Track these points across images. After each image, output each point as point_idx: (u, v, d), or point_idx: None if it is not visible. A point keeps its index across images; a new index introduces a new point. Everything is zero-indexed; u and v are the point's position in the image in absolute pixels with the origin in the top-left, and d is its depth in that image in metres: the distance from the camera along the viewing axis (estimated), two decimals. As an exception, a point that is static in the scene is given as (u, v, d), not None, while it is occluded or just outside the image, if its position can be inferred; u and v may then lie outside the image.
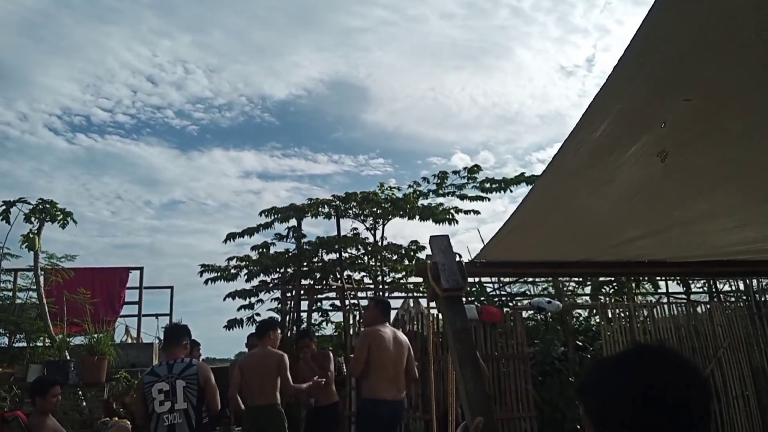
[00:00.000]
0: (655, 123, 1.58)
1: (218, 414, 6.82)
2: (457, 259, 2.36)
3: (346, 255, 10.18)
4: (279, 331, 6.25)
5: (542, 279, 10.84)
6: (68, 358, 8.00)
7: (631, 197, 1.92)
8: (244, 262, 10.19)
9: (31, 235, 8.35)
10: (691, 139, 1.66)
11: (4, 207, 8.32)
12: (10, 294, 9.38)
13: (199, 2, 24.60)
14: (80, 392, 7.75)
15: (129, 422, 6.81)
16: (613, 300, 10.20)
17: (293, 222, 10.23)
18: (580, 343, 9.22)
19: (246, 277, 10.02)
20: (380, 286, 10.33)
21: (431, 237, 2.33)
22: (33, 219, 8.42)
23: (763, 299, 10.18)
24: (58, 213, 8.52)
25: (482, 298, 9.94)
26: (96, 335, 8.13)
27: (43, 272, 8.69)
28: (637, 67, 1.43)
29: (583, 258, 2.30)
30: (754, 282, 10.46)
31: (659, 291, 11.56)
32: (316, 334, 9.70)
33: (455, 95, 28.48)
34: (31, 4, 21.58)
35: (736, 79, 1.43)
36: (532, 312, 9.48)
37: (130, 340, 10.52)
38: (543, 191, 1.93)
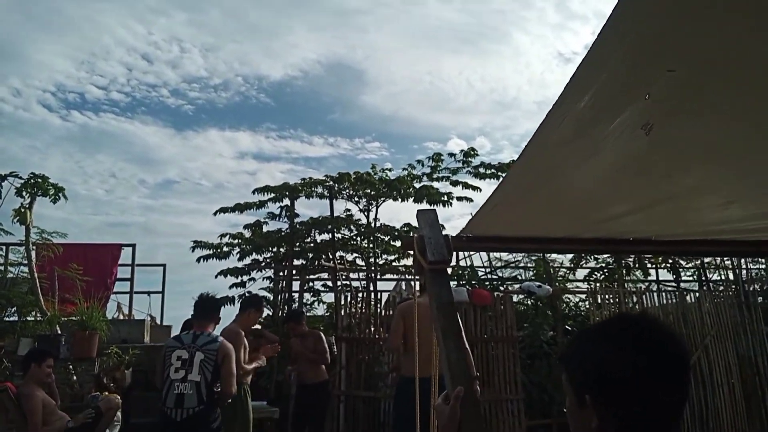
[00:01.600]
0: (639, 94, 1.57)
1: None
2: (444, 232, 2.37)
3: (339, 236, 10.20)
4: (259, 312, 6.16)
5: (533, 264, 10.90)
6: (59, 332, 8.01)
7: (617, 171, 1.92)
8: (236, 240, 10.19)
9: (22, 210, 8.31)
10: (675, 111, 1.65)
11: (-5, 181, 8.28)
12: (2, 268, 9.38)
13: (196, -20, 24.31)
14: (71, 366, 7.77)
15: (119, 396, 6.84)
16: (603, 286, 10.27)
17: (287, 202, 10.22)
18: (569, 328, 9.29)
19: (238, 255, 10.04)
20: (372, 268, 10.36)
21: (419, 211, 2.34)
22: (24, 193, 8.37)
23: (751, 288, 10.26)
24: (50, 188, 8.47)
25: (473, 282, 9.98)
26: (87, 311, 8.14)
27: (35, 247, 8.67)
28: (620, 35, 1.41)
29: (569, 234, 2.31)
30: (743, 272, 10.54)
31: (649, 278, 11.65)
32: (308, 314, 9.75)
33: (452, 79, 28.34)
34: (25, -21, 21.29)
35: (721, 49, 1.42)
36: (522, 296, 9.54)
37: (121, 317, 10.57)
38: (527, 164, 1.92)
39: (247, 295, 10.02)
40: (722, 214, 2.34)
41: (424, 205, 10.40)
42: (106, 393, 7.24)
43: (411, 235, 2.30)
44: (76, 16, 23.12)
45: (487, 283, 10.40)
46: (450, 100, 28.19)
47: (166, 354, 4.75)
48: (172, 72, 25.67)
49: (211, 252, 10.01)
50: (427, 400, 5.11)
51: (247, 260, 10.10)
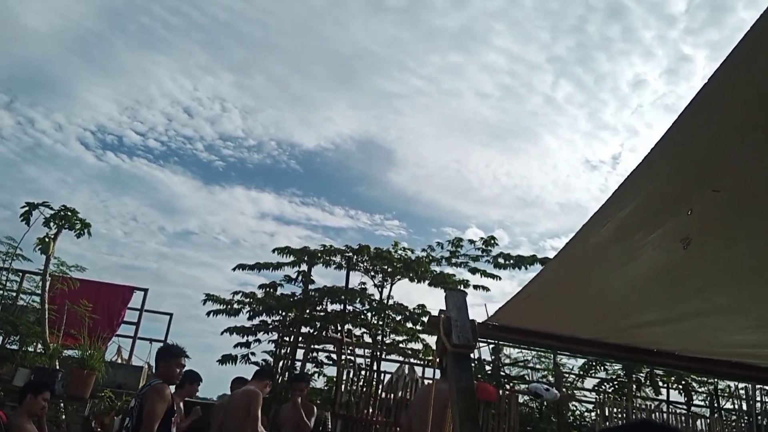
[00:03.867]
0: (682, 209, 1.64)
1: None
2: (470, 317, 2.38)
3: (350, 308, 10.14)
4: (271, 385, 6.27)
5: (542, 366, 10.66)
6: (58, 367, 7.92)
7: (651, 280, 1.96)
8: (248, 299, 10.17)
9: (47, 239, 8.44)
10: (715, 229, 1.70)
11: (27, 208, 8.46)
12: (14, 294, 9.41)
13: (247, 46, 25.58)
14: (62, 404, 7.63)
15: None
16: (612, 398, 9.96)
17: (304, 267, 10.26)
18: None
19: (248, 314, 9.99)
20: (378, 346, 10.22)
21: (447, 292, 2.37)
22: (52, 224, 8.52)
23: (764, 422, 9.90)
24: (77, 222, 8.63)
25: (479, 375, 9.76)
26: (89, 350, 8.08)
27: (50, 278, 8.73)
28: (671, 153, 1.50)
29: (595, 337, 2.31)
30: (758, 404, 10.19)
31: (660, 397, 11.27)
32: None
33: (479, 171, 28.88)
34: (89, 25, 22.64)
35: (765, 178, 1.49)
36: (528, 397, 9.28)
37: (120, 360, 10.42)
38: (564, 262, 1.97)
39: (251, 356, 9.94)
40: (750, 338, 2.34)
41: (438, 291, 10.37)
42: (92, 438, 7.08)
43: (432, 315, 2.33)
44: (129, 63, 24.36)
45: (493, 380, 10.15)
46: (473, 190, 28.62)
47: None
48: (210, 128, 26.59)
49: (222, 307, 9.98)
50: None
51: (256, 320, 10.05)
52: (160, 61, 25.09)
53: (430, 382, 4.91)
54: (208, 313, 9.90)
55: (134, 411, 4.59)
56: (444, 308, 2.38)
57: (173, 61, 25.68)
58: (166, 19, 23.97)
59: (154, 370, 5.04)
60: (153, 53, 25.02)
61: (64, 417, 7.61)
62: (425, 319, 10.24)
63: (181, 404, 6.14)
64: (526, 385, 9.34)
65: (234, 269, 10.22)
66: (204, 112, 25.82)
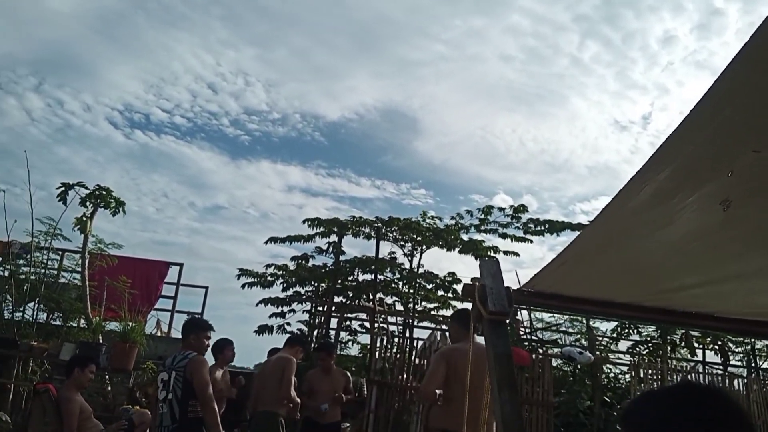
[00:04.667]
0: (722, 171, 1.61)
1: (237, 417, 6.88)
2: (506, 284, 2.39)
3: (381, 278, 10.22)
4: (304, 351, 6.53)
5: (576, 330, 10.65)
6: (101, 341, 8.20)
7: (689, 243, 1.93)
8: (281, 271, 10.33)
9: (84, 219, 8.66)
10: (756, 191, 1.67)
11: (63, 189, 8.67)
12: (56, 273, 9.71)
13: (268, 19, 25.39)
14: (107, 376, 7.92)
15: (149, 412, 6.92)
16: (647, 360, 9.92)
17: (334, 238, 10.35)
18: (608, 399, 8.97)
19: (282, 286, 10.16)
20: (410, 314, 10.31)
21: (481, 260, 2.38)
22: (88, 203, 8.74)
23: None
24: (112, 201, 8.82)
25: (513, 339, 9.80)
26: (130, 323, 8.33)
27: (89, 256, 8.98)
28: (711, 114, 1.46)
29: (632, 300, 2.30)
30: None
31: (695, 358, 11.19)
32: (342, 352, 9.72)
33: (505, 136, 28.45)
34: (110, 4, 22.73)
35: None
36: (562, 361, 9.30)
37: (160, 333, 10.72)
38: (601, 227, 1.95)
39: (286, 326, 10.13)
40: (791, 299, 2.30)
41: (467, 258, 10.37)
42: (137, 407, 7.34)
43: (471, 282, 2.33)
44: (152, 42, 24.45)
45: (526, 343, 10.19)
46: (500, 156, 28.27)
47: (157, 378, 4.91)
48: (234, 103, 26.67)
49: (255, 280, 10.17)
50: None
51: (290, 291, 10.22)
52: (182, 38, 25.13)
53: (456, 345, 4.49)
54: (243, 286, 10.11)
55: (173, 383, 4.64)
56: (478, 276, 2.39)
57: (195, 36, 25.70)
58: (185, -6, 23.94)
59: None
60: (174, 30, 25.05)
61: (109, 389, 7.91)
62: (456, 286, 10.29)
63: (227, 373, 6.30)
64: (560, 349, 9.35)
65: (266, 242, 10.39)
66: (228, 87, 25.87)
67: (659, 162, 1.62)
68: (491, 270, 2.30)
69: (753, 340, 9.95)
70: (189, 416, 4.62)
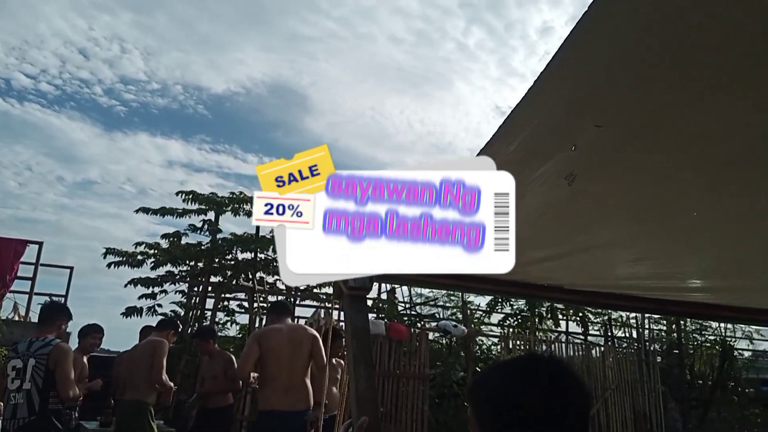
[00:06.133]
0: (566, 144, 1.63)
1: (100, 403, 6.47)
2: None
3: (262, 256, 9.98)
4: (176, 336, 6.30)
5: (452, 304, 11.06)
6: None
7: (539, 217, 1.98)
8: (152, 250, 9.76)
9: None
10: (598, 165, 1.72)
11: None
12: None
13: (147, -19, 23.81)
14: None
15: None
16: (515, 332, 10.53)
17: (211, 216, 9.93)
18: (480, 370, 9.43)
19: (152, 265, 9.60)
20: (293, 292, 10.18)
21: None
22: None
23: (651, 348, 10.81)
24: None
25: (392, 316, 9.98)
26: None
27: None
28: (555, 84, 1.46)
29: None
30: (646, 331, 11.11)
31: (559, 329, 12.05)
32: (220, 334, 9.42)
33: (394, 117, 28.89)
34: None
35: (648, 113, 1.49)
36: (438, 334, 9.62)
37: (17, 318, 9.91)
38: (456, 200, 1.94)
39: (157, 308, 9.62)
40: (631, 270, 2.45)
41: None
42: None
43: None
44: (15, 0, 22.04)
45: (406, 318, 10.43)
46: (389, 137, 28.69)
47: (6, 365, 4.54)
48: (108, 70, 24.82)
49: (122, 259, 9.52)
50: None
51: (161, 270, 9.68)
52: (48, -4, 22.91)
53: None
54: (109, 265, 9.43)
55: (33, 372, 4.31)
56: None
57: (62, -5, 23.51)
58: (50, -53, 21.75)
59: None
60: (38, -14, 22.76)
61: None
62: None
63: (85, 359, 5.90)
64: (436, 323, 9.67)
65: (136, 212, 9.74)
66: (101, 53, 24.01)
67: (508, 133, 1.62)
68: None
69: (608, 311, 10.86)
70: (49, 407, 4.34)
